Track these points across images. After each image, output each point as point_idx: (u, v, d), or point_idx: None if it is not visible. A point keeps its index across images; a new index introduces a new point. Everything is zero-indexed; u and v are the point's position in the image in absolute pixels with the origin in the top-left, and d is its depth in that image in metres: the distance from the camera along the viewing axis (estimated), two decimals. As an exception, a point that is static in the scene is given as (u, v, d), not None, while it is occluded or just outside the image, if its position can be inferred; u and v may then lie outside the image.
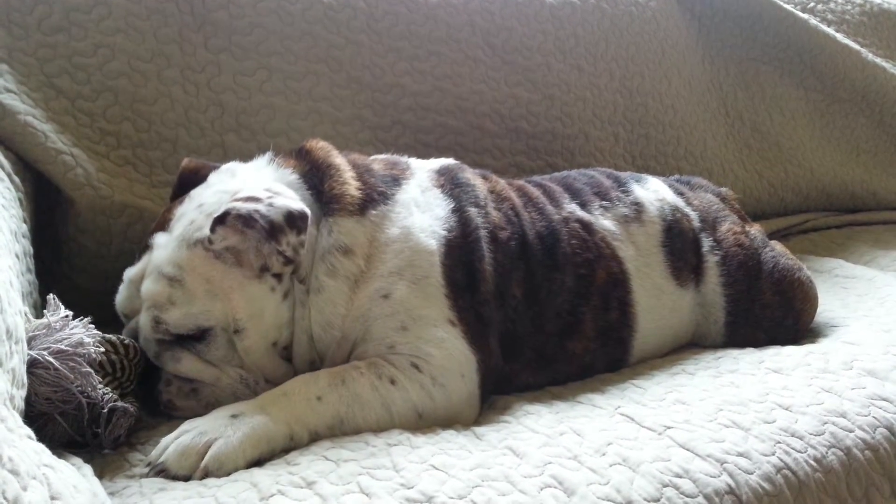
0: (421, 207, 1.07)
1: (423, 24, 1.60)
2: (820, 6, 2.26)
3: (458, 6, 1.66)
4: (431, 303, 1.00)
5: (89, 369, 0.84)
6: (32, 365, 0.80)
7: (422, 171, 1.14)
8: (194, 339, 0.96)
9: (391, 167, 1.14)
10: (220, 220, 0.94)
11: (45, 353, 0.81)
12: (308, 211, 0.98)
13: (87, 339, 0.84)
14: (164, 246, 0.98)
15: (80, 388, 0.83)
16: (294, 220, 0.96)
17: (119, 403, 0.87)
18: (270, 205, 0.95)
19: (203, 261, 0.96)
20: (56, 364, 0.81)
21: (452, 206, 1.08)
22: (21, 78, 1.24)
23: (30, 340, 0.82)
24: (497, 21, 1.70)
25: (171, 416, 0.97)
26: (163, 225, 1.02)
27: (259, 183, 1.02)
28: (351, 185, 1.06)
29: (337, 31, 1.51)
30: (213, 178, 1.07)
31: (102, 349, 0.87)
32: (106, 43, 1.31)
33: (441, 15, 1.63)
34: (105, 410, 0.86)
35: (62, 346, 0.83)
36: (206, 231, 0.95)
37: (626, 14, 1.90)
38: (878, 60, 2.24)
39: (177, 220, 1.00)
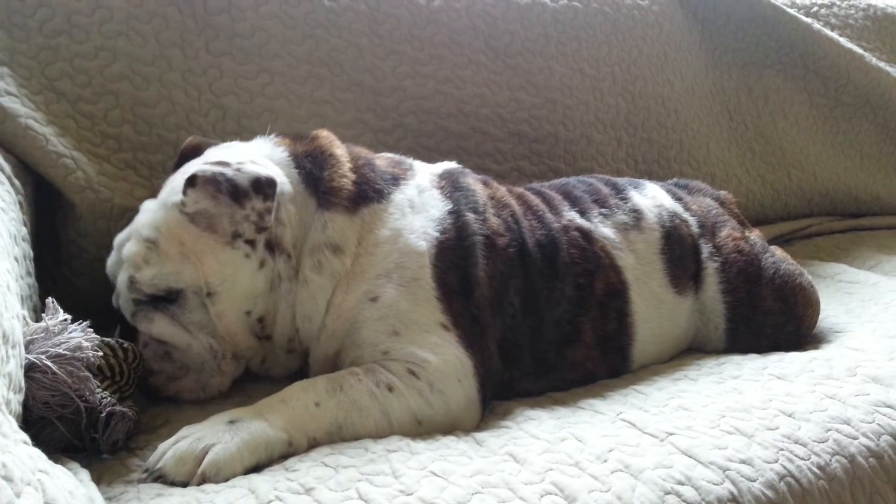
0: (415, 208, 1.07)
1: (424, 27, 1.60)
2: (823, 10, 2.25)
3: (460, 10, 1.65)
4: (422, 306, 1.00)
5: (87, 373, 0.84)
6: (30, 369, 0.80)
7: (423, 173, 1.14)
8: (168, 300, 0.99)
9: (394, 165, 1.14)
10: (190, 183, 0.97)
11: (43, 356, 0.81)
12: (276, 178, 1.00)
13: (85, 343, 0.84)
14: (147, 210, 1.03)
15: (78, 393, 0.82)
16: (261, 186, 0.98)
17: (117, 408, 0.87)
18: (238, 170, 0.98)
19: (177, 223, 0.99)
20: (54, 368, 0.81)
21: (449, 208, 1.08)
22: (22, 81, 1.23)
23: (28, 344, 0.81)
24: (499, 25, 1.69)
25: (150, 390, 1.00)
26: (155, 193, 1.07)
27: (244, 154, 1.04)
28: (347, 179, 1.07)
29: (339, 35, 1.50)
30: (209, 151, 1.11)
31: (101, 353, 0.87)
32: (107, 46, 1.30)
33: (443, 18, 1.63)
34: (103, 415, 0.85)
35: (60, 350, 0.82)
36: (181, 195, 0.98)
37: (628, 18, 1.89)
38: (882, 65, 2.23)
39: (165, 188, 1.05)
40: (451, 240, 1.05)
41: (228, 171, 0.97)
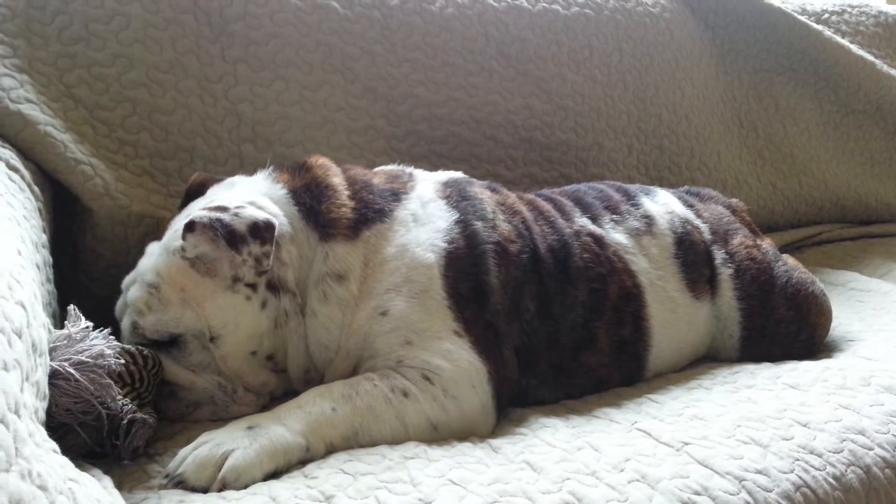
0: (420, 221, 1.07)
1: (437, 34, 1.61)
2: (834, 17, 2.26)
3: (472, 17, 1.66)
4: (433, 315, 1.00)
5: (109, 381, 0.84)
6: (53, 376, 0.80)
7: (425, 183, 1.14)
8: (169, 344, 1.00)
9: (392, 180, 1.14)
10: (189, 228, 0.98)
11: (65, 364, 0.82)
12: (275, 222, 1.01)
13: (107, 351, 0.85)
14: (150, 254, 1.04)
15: (100, 400, 0.83)
16: (258, 231, 0.98)
17: (138, 415, 0.88)
18: (236, 214, 0.99)
19: (178, 269, 0.99)
20: (77, 375, 0.81)
21: (456, 217, 1.08)
22: (41, 88, 1.24)
23: (51, 351, 0.82)
24: (511, 32, 1.70)
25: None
26: (160, 235, 1.08)
27: (243, 195, 1.05)
28: (346, 208, 1.07)
29: (352, 42, 1.51)
30: (211, 190, 1.12)
31: (122, 360, 0.88)
32: (124, 53, 1.32)
33: (456, 26, 1.63)
34: (125, 422, 0.86)
35: (83, 358, 0.83)
36: (181, 241, 0.99)
37: (639, 25, 1.90)
38: (893, 72, 2.23)
39: (171, 227, 1.05)
40: (461, 249, 1.05)
41: (226, 217, 0.98)
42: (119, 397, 0.86)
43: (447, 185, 1.15)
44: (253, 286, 1.01)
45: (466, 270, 1.04)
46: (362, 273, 1.04)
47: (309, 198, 1.07)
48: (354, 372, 1.03)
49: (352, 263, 1.04)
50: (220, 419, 1.00)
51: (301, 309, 1.04)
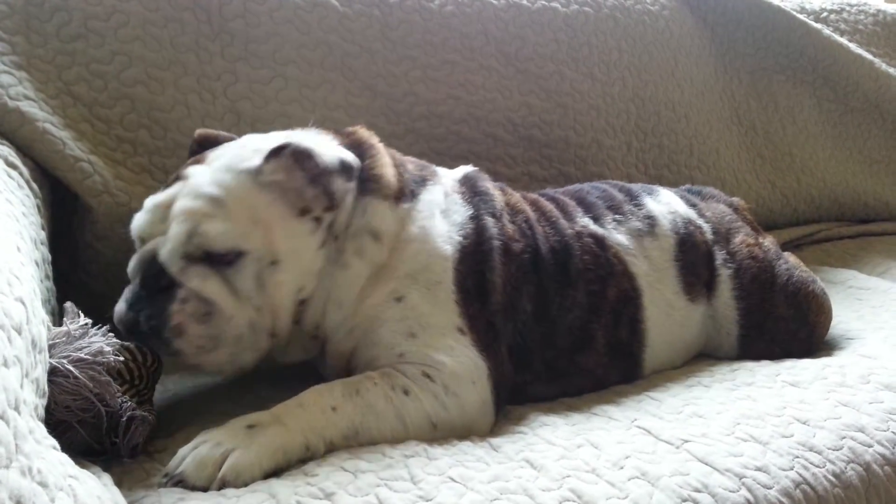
0: (443, 212, 1.08)
1: (437, 32, 1.61)
2: (833, 16, 2.26)
3: (472, 15, 1.66)
4: (441, 309, 1.00)
5: (108, 378, 0.84)
6: (52, 373, 0.80)
7: (446, 178, 1.15)
8: (224, 262, 0.94)
9: (421, 168, 1.15)
10: (276, 153, 0.96)
11: (64, 361, 0.82)
12: (355, 162, 1.00)
13: (106, 348, 0.84)
14: (202, 173, 0.97)
15: (99, 397, 0.83)
16: (347, 167, 0.99)
17: (137, 412, 0.88)
18: (326, 150, 0.98)
19: (248, 189, 0.96)
20: (76, 373, 0.81)
21: (470, 213, 1.09)
22: (39, 85, 1.24)
23: (49, 348, 0.82)
24: (511, 30, 1.70)
25: (174, 353, 0.94)
26: (196, 163, 1.01)
27: (310, 138, 1.04)
28: (389, 171, 1.07)
29: (352, 40, 1.51)
30: (246, 137, 1.09)
31: (121, 357, 0.87)
32: (123, 51, 1.31)
33: (455, 24, 1.63)
34: (124, 419, 0.86)
35: (82, 355, 0.83)
36: (255, 162, 0.97)
37: (639, 23, 1.90)
38: (892, 71, 2.23)
39: (214, 158, 1.00)
40: (472, 244, 1.06)
41: (316, 149, 0.97)
42: (118, 395, 0.86)
43: (462, 181, 1.16)
44: (318, 220, 0.99)
45: (474, 266, 1.04)
46: (394, 243, 1.03)
47: (354, 152, 1.06)
48: (352, 358, 1.03)
49: (389, 226, 1.03)
50: (219, 372, 0.99)
51: (337, 258, 1.02)
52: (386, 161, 1.08)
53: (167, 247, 0.94)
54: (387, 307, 1.00)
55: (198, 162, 1.01)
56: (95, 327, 0.88)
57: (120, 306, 0.97)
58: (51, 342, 0.83)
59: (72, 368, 0.81)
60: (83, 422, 0.83)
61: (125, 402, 0.87)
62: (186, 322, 0.93)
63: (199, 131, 1.15)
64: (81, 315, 0.89)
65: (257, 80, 1.41)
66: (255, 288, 0.96)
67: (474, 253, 1.05)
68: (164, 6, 1.35)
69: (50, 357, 0.81)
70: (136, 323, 0.94)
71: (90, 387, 0.82)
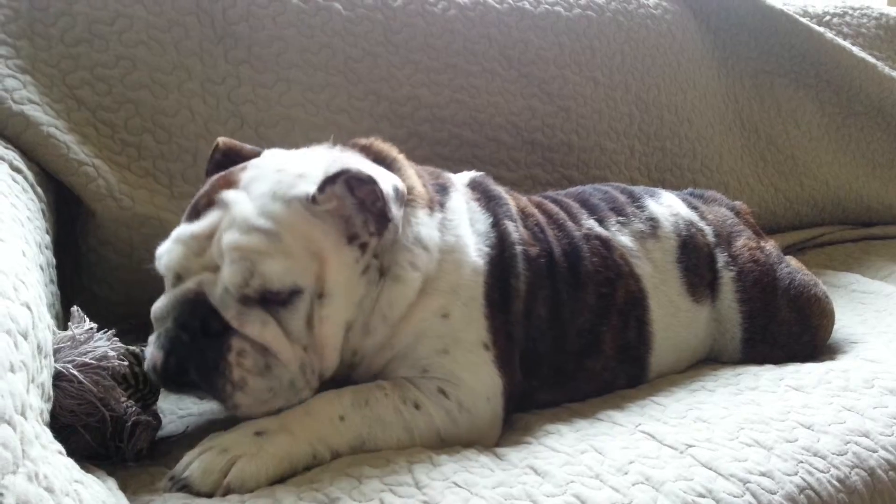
0: (469, 221, 1.06)
1: (440, 36, 1.61)
2: (836, 19, 2.26)
3: (474, 19, 1.66)
4: (473, 325, 0.99)
5: (113, 383, 0.84)
6: (57, 378, 0.80)
7: (459, 185, 1.12)
8: (278, 301, 0.87)
9: (436, 176, 1.12)
10: (332, 180, 0.90)
11: (69, 366, 0.82)
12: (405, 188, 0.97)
13: (111, 353, 0.84)
14: (244, 202, 0.89)
15: (103, 402, 0.83)
16: (399, 194, 0.94)
17: (142, 417, 0.88)
18: (379, 176, 0.93)
19: (302, 219, 0.89)
20: (80, 377, 0.81)
21: (491, 220, 1.07)
22: (44, 89, 1.24)
23: (54, 353, 0.82)
24: (514, 34, 1.70)
25: (230, 408, 0.87)
26: (228, 185, 0.93)
27: (347, 160, 0.99)
28: (417, 181, 1.04)
29: (355, 44, 1.51)
30: (271, 152, 1.03)
31: (126, 362, 0.88)
32: (127, 55, 1.32)
33: (458, 28, 1.63)
34: (128, 424, 0.86)
35: (87, 360, 0.83)
36: (305, 189, 0.91)
37: (641, 27, 1.90)
38: (894, 74, 2.23)
39: (250, 182, 0.92)
40: (497, 254, 1.04)
41: (376, 176, 0.91)
42: (122, 399, 0.86)
43: (472, 186, 1.13)
44: (364, 247, 0.94)
45: (499, 276, 1.03)
46: (439, 251, 0.99)
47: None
48: (381, 374, 0.99)
49: (434, 235, 0.99)
50: (263, 415, 0.89)
51: (378, 278, 0.96)
52: (412, 172, 1.05)
53: (220, 288, 0.86)
54: (434, 323, 0.98)
55: (230, 185, 0.93)
56: (101, 332, 0.88)
57: (156, 353, 0.88)
58: (56, 346, 0.83)
59: (76, 373, 0.81)
60: (88, 426, 0.83)
61: (130, 406, 0.87)
62: (248, 377, 0.86)
63: (222, 140, 1.07)
64: (87, 319, 0.89)
65: (261, 83, 1.41)
66: (303, 326, 0.90)
67: (500, 262, 1.04)
68: (167, 10, 1.36)
69: (55, 361, 0.81)
70: (184, 373, 0.87)
71: (95, 391, 0.82)
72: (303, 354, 0.90)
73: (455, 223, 1.03)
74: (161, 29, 1.35)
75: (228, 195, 0.91)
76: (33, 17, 1.27)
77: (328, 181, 0.90)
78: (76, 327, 0.87)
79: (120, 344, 0.88)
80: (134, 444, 0.87)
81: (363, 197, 0.92)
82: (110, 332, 0.88)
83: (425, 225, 0.99)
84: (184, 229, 0.91)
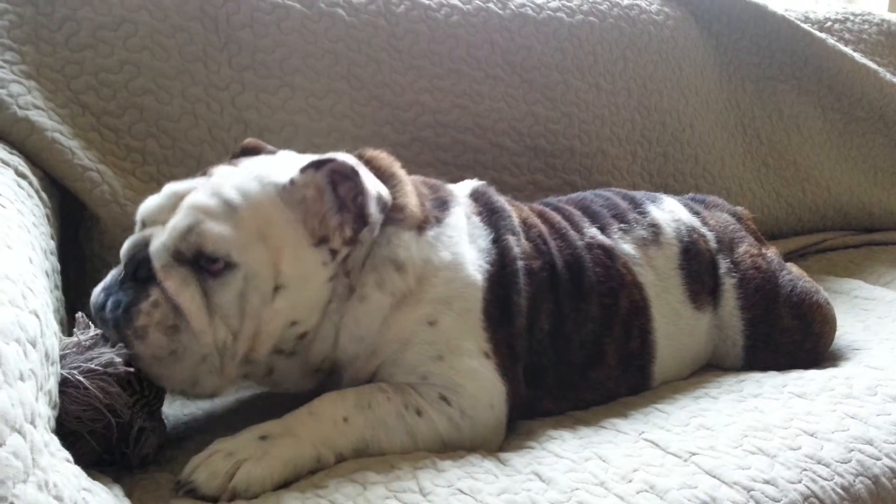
0: (469, 236, 1.06)
1: (443, 42, 1.61)
2: (837, 25, 2.26)
3: (477, 25, 1.67)
4: (470, 335, 0.99)
5: (119, 389, 0.84)
6: (63, 384, 0.80)
7: (461, 197, 1.12)
8: (211, 272, 0.88)
9: (435, 190, 1.11)
10: (316, 165, 0.91)
11: (75, 372, 0.82)
12: (391, 200, 0.97)
13: (116, 359, 0.85)
14: (228, 174, 0.93)
15: (109, 408, 0.83)
16: (381, 200, 0.94)
17: (148, 423, 0.88)
18: (367, 176, 0.93)
19: (270, 202, 0.91)
20: (86, 384, 0.81)
21: (493, 236, 1.07)
22: (48, 94, 1.25)
23: (60, 359, 0.82)
24: (516, 40, 1.70)
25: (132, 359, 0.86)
26: (228, 164, 0.98)
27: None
28: (412, 199, 1.03)
29: (358, 49, 1.52)
30: (284, 151, 1.07)
31: (131, 368, 0.88)
32: (132, 60, 1.32)
33: (461, 34, 1.64)
34: (134, 429, 0.86)
35: (92, 366, 0.83)
36: (288, 176, 0.92)
37: (644, 33, 1.91)
38: (896, 80, 2.24)
39: (247, 165, 0.96)
40: (498, 270, 1.04)
41: (361, 171, 0.91)
42: (128, 405, 0.86)
43: (474, 198, 1.13)
44: (334, 253, 0.93)
45: (500, 292, 1.03)
46: (421, 272, 0.99)
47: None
48: (372, 379, 1.00)
49: (413, 256, 0.99)
50: (178, 392, 0.90)
51: (349, 293, 0.96)
52: (409, 189, 1.04)
53: (161, 238, 0.88)
54: (419, 330, 0.97)
55: (230, 164, 0.98)
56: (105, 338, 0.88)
57: (98, 287, 0.92)
58: (61, 353, 0.83)
59: (82, 379, 0.81)
60: (93, 432, 0.84)
61: (136, 412, 0.87)
62: (150, 328, 0.86)
63: (248, 139, 1.11)
64: (92, 326, 0.89)
65: (264, 89, 1.41)
66: (235, 308, 0.89)
67: (501, 278, 1.03)
68: (172, 16, 1.36)
69: (61, 368, 0.81)
70: (102, 308, 0.89)
71: (101, 398, 0.82)
72: (225, 335, 0.89)
73: (454, 240, 1.03)
74: (165, 34, 1.35)
75: (219, 168, 0.96)
76: (38, 22, 1.27)
77: (311, 166, 0.92)
78: (81, 333, 0.87)
79: (126, 350, 0.88)
80: (140, 450, 0.87)
81: (343, 195, 0.92)
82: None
83: (406, 247, 0.99)
84: (169, 185, 0.95)
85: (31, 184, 1.10)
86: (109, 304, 0.88)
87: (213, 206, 0.89)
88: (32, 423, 0.57)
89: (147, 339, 0.86)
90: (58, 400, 0.77)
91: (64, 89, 1.27)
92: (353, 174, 0.92)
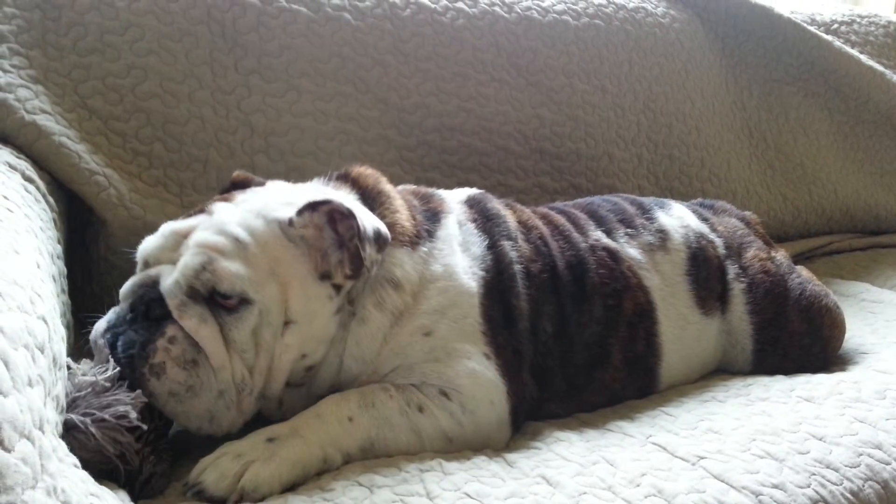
0: (462, 245, 1.06)
1: (448, 45, 1.61)
2: (844, 28, 2.26)
3: (483, 28, 1.67)
4: (468, 339, 1.00)
5: (131, 438, 0.80)
6: (73, 429, 0.77)
7: (454, 205, 1.13)
8: (226, 307, 0.88)
9: (426, 200, 1.12)
10: (313, 207, 0.93)
11: (87, 420, 0.77)
12: (389, 237, 0.97)
13: (133, 414, 0.80)
14: (230, 212, 0.94)
15: (120, 458, 0.79)
16: (380, 238, 0.95)
17: (158, 468, 0.84)
18: (363, 215, 0.95)
19: (275, 238, 0.92)
20: (98, 435, 0.77)
21: (487, 242, 1.07)
22: (55, 99, 1.25)
23: (73, 401, 0.79)
24: (522, 43, 1.70)
25: (147, 394, 0.84)
26: (224, 201, 0.98)
27: (338, 196, 1.00)
28: (403, 215, 1.04)
29: (364, 53, 1.52)
30: (274, 182, 1.07)
31: (144, 427, 0.81)
32: (139, 64, 1.32)
33: (467, 37, 1.64)
34: (142, 477, 0.82)
35: (105, 416, 0.79)
36: (287, 214, 0.94)
37: (650, 35, 1.90)
38: (903, 82, 2.23)
39: (243, 200, 0.97)
40: (494, 276, 1.04)
41: (358, 212, 0.93)
42: (138, 451, 0.81)
43: (469, 204, 1.13)
44: (338, 288, 0.95)
45: (498, 296, 1.04)
46: (417, 287, 1.00)
47: (367, 205, 1.03)
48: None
49: (409, 272, 1.00)
50: (195, 428, 0.89)
51: (350, 318, 0.98)
52: (398, 205, 1.05)
53: (173, 276, 0.89)
54: (415, 341, 0.98)
55: (225, 200, 0.99)
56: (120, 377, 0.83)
57: (99, 325, 0.91)
58: (76, 394, 0.79)
59: (94, 431, 0.77)
60: (100, 472, 0.78)
61: (145, 457, 0.83)
62: (168, 364, 0.86)
63: (236, 172, 1.13)
64: (111, 361, 0.84)
65: (271, 93, 1.42)
66: (250, 343, 0.90)
67: (498, 283, 1.04)
68: (178, 20, 1.37)
69: (73, 411, 0.77)
70: (112, 348, 0.87)
71: (111, 451, 0.78)
72: (243, 370, 0.90)
73: (445, 252, 1.04)
74: (172, 39, 1.36)
75: (218, 205, 0.97)
76: (45, 27, 1.28)
77: (309, 207, 0.94)
78: (99, 371, 0.82)
79: (142, 395, 0.83)
80: (146, 493, 0.83)
81: (342, 232, 0.94)
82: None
83: (401, 265, 1.00)
84: (168, 225, 0.95)
85: (37, 188, 1.10)
86: (121, 343, 0.87)
87: (222, 245, 0.90)
88: (41, 428, 0.57)
89: (165, 374, 0.86)
90: (65, 404, 0.77)
91: (71, 94, 1.27)
92: (349, 214, 0.93)
